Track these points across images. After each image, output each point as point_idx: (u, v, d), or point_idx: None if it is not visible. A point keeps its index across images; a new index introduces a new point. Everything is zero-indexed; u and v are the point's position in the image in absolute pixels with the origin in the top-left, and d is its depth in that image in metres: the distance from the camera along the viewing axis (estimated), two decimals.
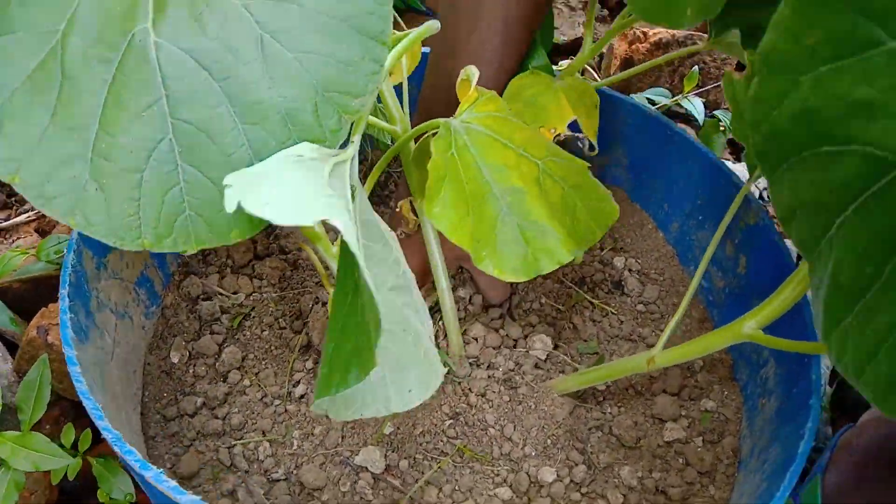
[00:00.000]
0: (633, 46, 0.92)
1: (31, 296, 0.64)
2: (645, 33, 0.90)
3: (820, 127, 0.28)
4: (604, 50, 1.02)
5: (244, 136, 0.34)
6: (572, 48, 1.07)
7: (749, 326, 0.46)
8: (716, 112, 0.92)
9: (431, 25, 0.47)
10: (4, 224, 0.71)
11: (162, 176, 0.33)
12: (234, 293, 0.67)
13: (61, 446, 0.56)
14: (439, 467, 0.55)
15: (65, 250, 0.62)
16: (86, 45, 0.33)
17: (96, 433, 0.52)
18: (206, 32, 0.33)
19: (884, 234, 0.28)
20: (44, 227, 0.73)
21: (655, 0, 0.48)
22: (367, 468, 0.56)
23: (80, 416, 0.63)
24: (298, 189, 0.31)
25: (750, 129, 0.31)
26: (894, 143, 0.26)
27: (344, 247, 0.32)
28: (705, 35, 0.93)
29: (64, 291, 0.45)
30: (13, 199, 0.75)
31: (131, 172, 0.33)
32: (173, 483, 0.38)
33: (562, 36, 1.07)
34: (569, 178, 0.50)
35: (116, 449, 0.39)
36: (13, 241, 0.71)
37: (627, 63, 0.93)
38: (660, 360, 0.51)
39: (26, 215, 0.72)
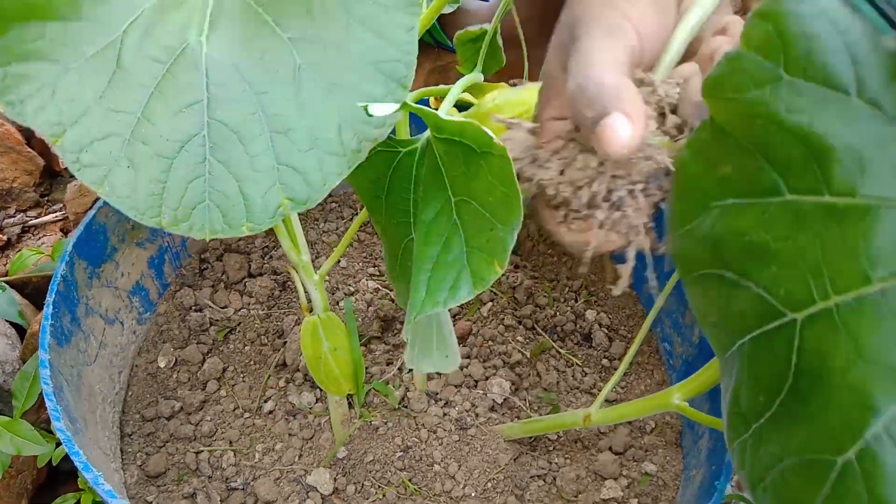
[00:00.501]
0: None
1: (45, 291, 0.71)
2: None
3: (724, 254, 0.29)
4: None
5: (270, 142, 0.38)
6: None
7: (677, 397, 0.48)
8: None
9: (474, 77, 0.51)
10: (35, 221, 0.79)
11: (190, 165, 0.37)
12: (224, 307, 0.72)
13: (49, 432, 0.62)
14: (383, 496, 0.58)
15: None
16: (142, 45, 0.38)
17: None
18: (251, 53, 0.38)
19: (772, 372, 0.28)
20: (68, 227, 0.80)
21: None
22: (316, 488, 0.59)
23: None
24: None
25: (669, 229, 0.31)
26: (781, 293, 0.27)
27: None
28: None
29: (50, 299, 0.50)
30: (46, 198, 0.82)
31: (163, 157, 0.37)
32: (107, 487, 0.42)
33: None
34: None
35: (66, 447, 0.44)
36: (40, 238, 0.78)
37: None
38: (596, 419, 0.53)
39: (54, 215, 0.80)
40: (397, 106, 0.36)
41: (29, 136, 0.81)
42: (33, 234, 0.79)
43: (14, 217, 0.79)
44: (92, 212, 0.57)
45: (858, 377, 0.25)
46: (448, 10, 0.70)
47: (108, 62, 0.37)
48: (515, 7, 0.77)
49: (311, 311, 0.59)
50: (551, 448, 0.62)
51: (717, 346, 0.32)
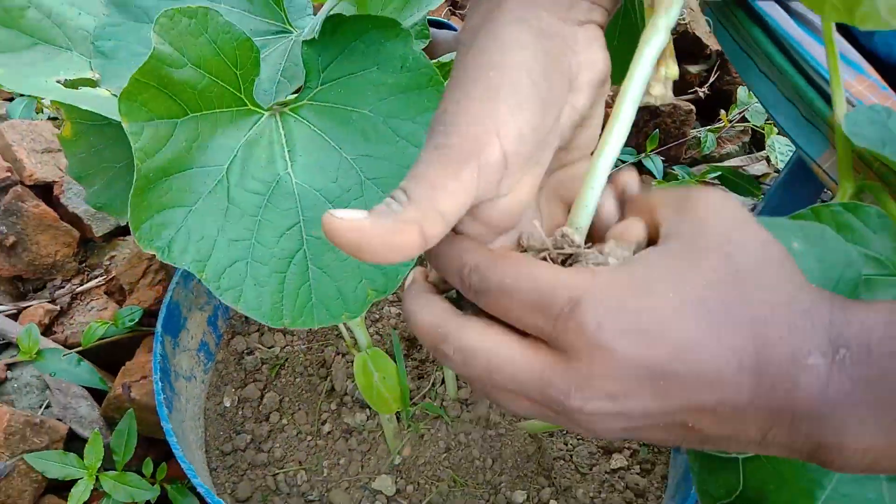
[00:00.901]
0: (605, 110, 1.06)
1: (112, 355, 0.80)
2: (613, 97, 1.04)
3: None
4: None
5: None
6: None
7: None
8: (674, 167, 1.07)
9: None
10: (81, 288, 0.87)
11: (298, 276, 0.47)
12: (271, 347, 0.83)
13: (142, 474, 0.73)
14: (437, 491, 0.72)
15: (135, 318, 0.78)
16: (243, 181, 0.48)
17: (166, 462, 0.69)
18: (327, 176, 0.49)
19: (726, 482, 0.37)
20: (111, 289, 0.88)
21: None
22: (381, 491, 0.72)
23: (151, 449, 0.80)
24: None
25: None
26: None
27: None
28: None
29: (156, 377, 0.61)
30: (84, 264, 0.91)
31: (278, 273, 0.47)
32: None
33: None
34: None
35: (207, 498, 0.55)
36: (88, 303, 0.87)
37: None
38: None
39: (97, 280, 0.88)
40: None
41: (59, 208, 0.89)
42: (81, 300, 0.87)
43: (63, 287, 0.87)
44: (169, 294, 0.67)
45: (786, 496, 0.35)
46: (421, 45, 0.80)
47: (220, 199, 0.48)
48: None
49: (356, 347, 0.71)
50: (566, 433, 0.76)
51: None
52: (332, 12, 0.51)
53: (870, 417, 0.26)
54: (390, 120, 0.50)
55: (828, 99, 0.41)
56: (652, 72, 0.28)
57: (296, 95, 0.52)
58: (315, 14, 0.68)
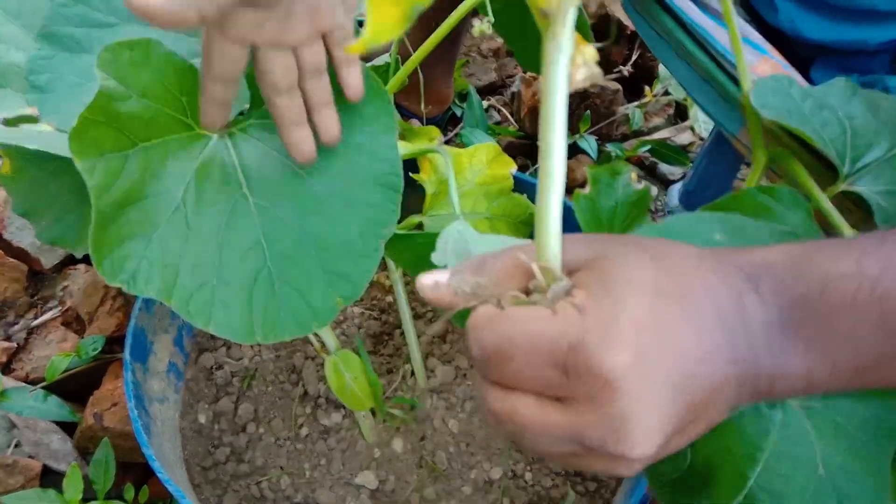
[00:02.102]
0: (536, 96, 1.10)
1: (77, 386, 0.80)
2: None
3: None
4: (515, 90, 1.20)
5: (317, 259, 0.49)
6: (489, 90, 1.25)
7: None
8: (607, 144, 1.12)
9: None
10: (36, 322, 0.86)
11: (264, 294, 0.48)
12: (239, 360, 0.84)
13: (124, 500, 0.74)
14: (418, 479, 0.75)
15: (98, 347, 0.78)
16: (200, 205, 0.48)
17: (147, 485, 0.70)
18: (284, 195, 0.49)
19: (676, 459, 0.40)
20: (68, 319, 0.87)
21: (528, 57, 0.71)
22: (365, 486, 0.75)
23: (128, 473, 0.80)
24: None
25: None
26: None
27: None
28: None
29: (131, 404, 0.61)
30: (36, 297, 0.89)
31: (244, 292, 0.48)
32: None
33: (477, 80, 1.24)
34: None
35: None
36: (46, 337, 0.85)
37: (533, 109, 1.11)
38: None
39: (52, 313, 0.87)
40: None
41: (6, 246, 0.87)
42: (38, 334, 0.86)
43: (17, 324, 0.85)
44: (133, 321, 0.67)
45: (732, 464, 0.38)
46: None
47: (180, 226, 0.48)
48: (410, 36, 0.92)
49: (324, 350, 0.73)
50: None
51: None
52: None
53: (799, 338, 0.29)
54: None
55: (737, 81, 0.45)
56: (569, 67, 0.28)
57: (242, 114, 0.53)
58: None
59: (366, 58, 0.84)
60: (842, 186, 0.43)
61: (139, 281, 0.47)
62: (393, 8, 0.25)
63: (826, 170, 0.44)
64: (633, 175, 0.48)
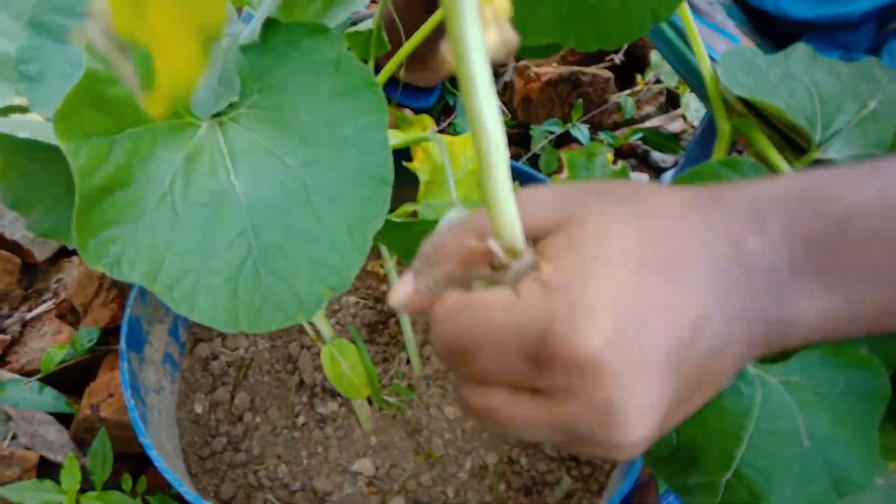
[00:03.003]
0: (529, 85, 1.09)
1: (72, 377, 0.80)
2: (538, 74, 1.08)
3: None
4: (507, 79, 1.20)
5: (304, 250, 0.49)
6: None
7: None
8: (600, 133, 1.12)
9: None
10: (30, 315, 0.86)
11: (250, 281, 0.48)
12: (235, 349, 0.84)
13: (122, 490, 0.74)
14: (415, 465, 0.75)
15: (94, 339, 0.78)
16: (187, 193, 0.48)
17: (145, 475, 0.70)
18: (273, 185, 0.49)
19: (664, 442, 0.41)
20: (62, 311, 0.87)
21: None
22: (362, 472, 0.75)
23: (125, 464, 0.80)
24: None
25: None
26: None
27: None
28: (588, 70, 1.12)
29: (128, 394, 0.61)
30: (30, 290, 0.89)
31: (230, 281, 0.47)
32: None
33: None
34: None
35: (188, 498, 0.57)
36: (40, 329, 0.85)
37: (525, 99, 1.11)
38: None
39: (46, 305, 0.87)
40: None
41: None
42: (33, 327, 0.86)
43: (11, 316, 0.85)
44: (127, 311, 0.67)
45: (717, 443, 0.39)
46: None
47: (167, 212, 0.48)
48: (406, 11, 0.92)
49: (320, 340, 0.73)
50: None
51: None
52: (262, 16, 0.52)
53: (815, 281, 0.26)
54: (329, 124, 0.51)
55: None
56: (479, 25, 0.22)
57: (233, 104, 0.53)
58: (239, 18, 0.68)
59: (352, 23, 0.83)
60: (815, 155, 0.42)
61: (123, 265, 0.46)
62: (187, 49, 0.19)
63: (789, 144, 0.44)
64: (609, 156, 0.48)
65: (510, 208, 0.24)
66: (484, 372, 0.24)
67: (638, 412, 0.23)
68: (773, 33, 0.56)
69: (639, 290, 0.23)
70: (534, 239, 0.25)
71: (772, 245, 0.26)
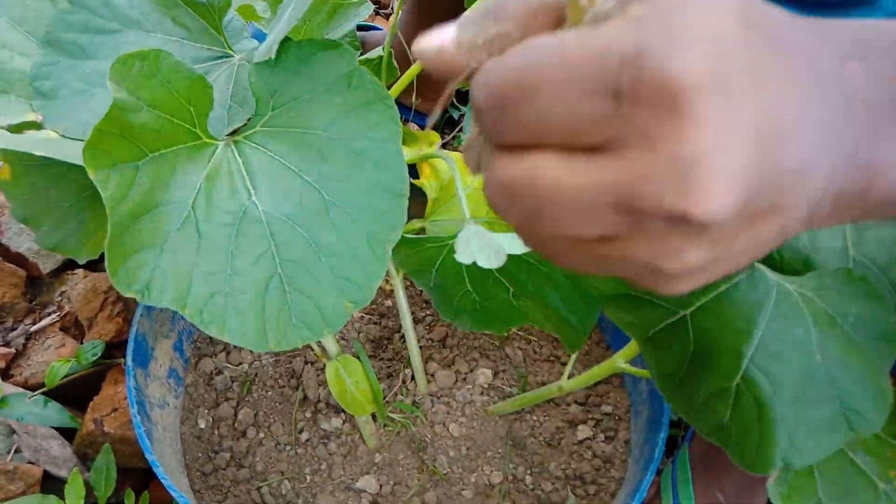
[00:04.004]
0: None
1: (75, 391, 0.80)
2: None
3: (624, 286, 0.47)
4: None
5: (326, 265, 0.49)
6: None
7: (620, 361, 0.67)
8: None
9: None
10: (34, 328, 0.86)
11: (277, 301, 0.48)
12: (238, 364, 0.84)
13: None
14: (419, 483, 0.75)
15: (98, 353, 0.78)
16: (209, 214, 0.48)
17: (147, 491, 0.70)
18: (291, 201, 0.50)
19: (680, 347, 0.45)
20: (66, 324, 0.87)
21: None
22: (366, 490, 0.75)
23: (128, 479, 0.80)
24: None
25: None
26: (673, 301, 0.45)
27: None
28: None
29: (134, 410, 0.61)
30: (34, 303, 0.89)
31: (257, 300, 0.48)
32: None
33: None
34: None
35: None
36: (44, 342, 0.85)
37: None
38: (567, 388, 0.71)
39: (50, 318, 0.87)
40: (501, 262, 0.47)
41: (4, 251, 0.87)
42: (37, 340, 0.86)
43: (15, 329, 0.85)
44: (134, 327, 0.67)
45: (728, 338, 0.43)
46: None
47: (190, 235, 0.49)
48: (403, 30, 0.93)
49: (325, 356, 0.74)
50: (532, 411, 0.81)
51: (633, 335, 0.48)
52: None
53: None
54: (344, 138, 0.52)
55: None
56: None
57: (248, 122, 0.53)
58: (251, 37, 0.69)
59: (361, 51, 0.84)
60: None
61: (153, 290, 0.47)
62: None
63: None
64: None
65: None
66: (540, 120, 0.20)
67: (722, 178, 0.19)
68: None
69: (747, 49, 0.19)
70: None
71: (874, 75, 0.23)
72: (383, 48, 0.74)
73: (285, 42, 0.53)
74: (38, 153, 0.49)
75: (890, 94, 0.23)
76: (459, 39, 0.22)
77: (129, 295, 0.44)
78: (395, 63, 0.77)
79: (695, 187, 0.18)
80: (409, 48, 0.78)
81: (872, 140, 0.23)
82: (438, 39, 0.22)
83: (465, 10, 0.63)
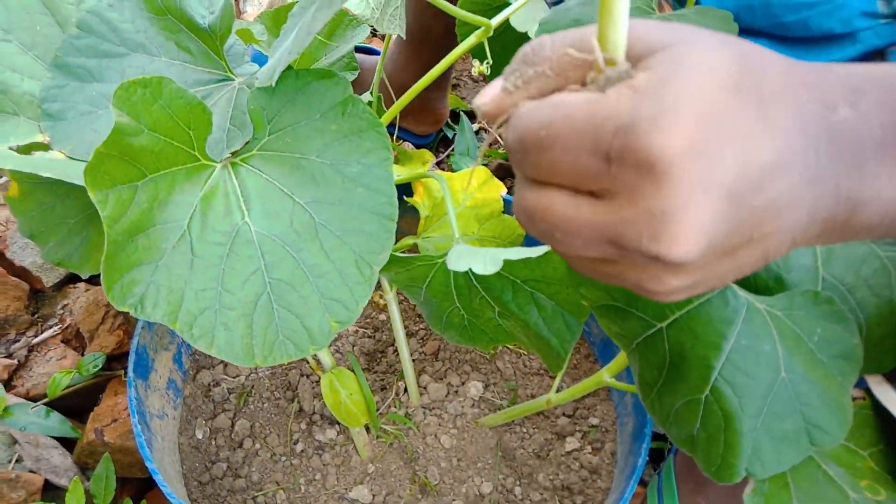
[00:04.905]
0: None
1: (75, 402, 0.82)
2: None
3: (614, 294, 0.49)
4: None
5: (314, 286, 0.51)
6: None
7: (607, 376, 0.69)
8: None
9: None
10: (36, 340, 0.88)
11: (264, 317, 0.51)
12: (236, 377, 0.86)
13: None
14: (411, 494, 0.77)
15: (99, 365, 0.80)
16: (203, 234, 0.51)
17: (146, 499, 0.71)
18: (283, 222, 0.52)
19: (657, 357, 0.47)
20: (67, 337, 0.89)
21: None
22: (359, 500, 0.77)
23: (126, 488, 0.82)
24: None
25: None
26: (650, 313, 0.48)
27: None
28: None
29: (135, 420, 0.63)
30: (36, 315, 0.91)
31: (246, 317, 0.50)
32: None
33: (468, 104, 1.27)
34: None
35: None
36: (46, 354, 0.87)
37: None
38: (555, 401, 0.73)
39: (52, 330, 0.89)
40: (498, 266, 0.49)
41: (8, 265, 0.89)
42: (39, 352, 0.88)
43: (18, 341, 0.87)
44: (135, 339, 0.70)
45: (700, 351, 0.45)
46: (351, 76, 0.85)
47: (185, 253, 0.51)
48: (406, 65, 0.96)
49: (320, 368, 0.76)
50: (522, 423, 0.83)
51: (621, 345, 0.51)
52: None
53: None
54: (337, 164, 0.54)
55: None
56: None
57: (245, 146, 0.56)
58: (251, 60, 0.72)
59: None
60: None
61: (146, 305, 0.49)
62: None
63: None
64: None
65: (621, 18, 0.24)
66: (552, 166, 0.25)
67: (688, 229, 0.23)
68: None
69: (726, 112, 0.23)
70: (634, 60, 0.25)
71: (863, 119, 0.26)
72: (371, 92, 0.77)
73: (284, 69, 0.56)
74: (45, 174, 0.52)
75: (878, 135, 0.26)
76: (505, 85, 0.27)
77: (123, 309, 0.46)
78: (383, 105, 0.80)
79: (666, 235, 0.23)
80: (398, 81, 0.83)
81: (856, 177, 0.26)
82: (490, 92, 0.27)
83: (451, 45, 0.67)
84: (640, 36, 0.25)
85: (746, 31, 0.56)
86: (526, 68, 0.26)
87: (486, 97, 0.27)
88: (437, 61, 0.61)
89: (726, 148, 0.23)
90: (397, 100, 0.64)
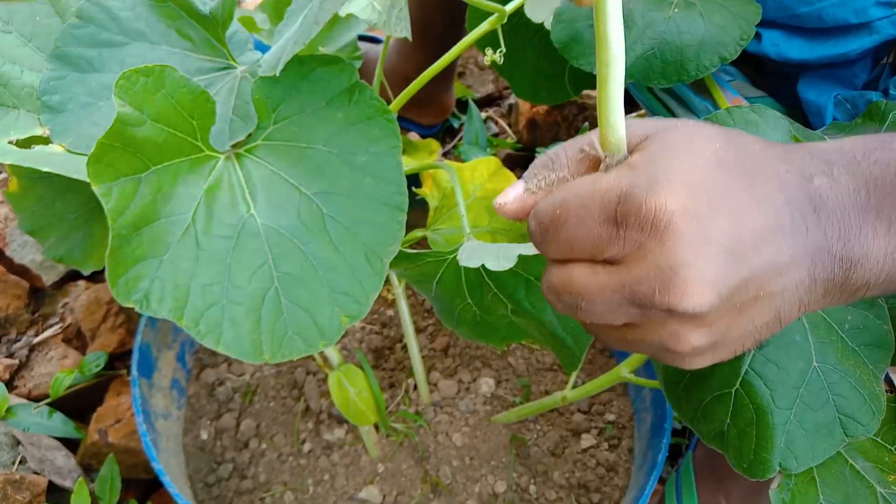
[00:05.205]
0: (534, 108, 1.11)
1: (78, 402, 0.80)
2: None
3: None
4: (513, 101, 1.21)
5: (323, 279, 0.50)
6: (486, 101, 1.26)
7: (625, 371, 0.67)
8: None
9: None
10: (37, 339, 0.86)
11: (273, 311, 0.49)
12: (240, 375, 0.84)
13: None
14: (422, 493, 0.75)
15: (101, 364, 0.78)
16: (209, 227, 0.49)
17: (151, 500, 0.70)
18: (289, 214, 0.50)
19: None
20: (68, 336, 0.87)
21: (525, 88, 0.79)
22: (369, 500, 0.75)
23: (130, 489, 0.80)
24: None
25: None
26: None
27: None
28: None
29: (139, 419, 0.61)
30: (37, 314, 0.89)
31: (254, 312, 0.48)
32: None
33: (475, 92, 1.25)
34: None
35: None
36: (47, 353, 0.85)
37: (531, 121, 1.12)
38: (570, 397, 0.72)
39: (52, 329, 0.87)
40: (512, 262, 0.47)
41: (7, 263, 0.87)
42: (40, 351, 0.86)
43: (19, 341, 0.86)
44: (139, 337, 0.68)
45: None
46: (355, 65, 0.83)
47: (190, 247, 0.49)
48: (411, 55, 0.94)
49: (327, 365, 0.74)
50: (536, 420, 0.81)
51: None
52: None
53: (879, 220, 0.28)
54: (344, 153, 0.52)
55: None
56: None
57: (250, 136, 0.54)
58: (254, 48, 0.70)
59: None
60: None
61: (152, 301, 0.47)
62: None
63: None
64: None
65: (618, 114, 0.28)
66: (569, 241, 0.28)
67: (695, 280, 0.26)
68: (775, 72, 0.58)
69: (713, 183, 0.26)
70: (631, 149, 0.29)
71: (838, 186, 0.28)
72: (375, 77, 0.75)
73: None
74: (45, 169, 0.50)
75: (853, 198, 0.29)
76: (528, 187, 0.31)
77: (127, 305, 0.45)
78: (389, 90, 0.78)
79: (676, 287, 0.26)
80: (401, 72, 0.81)
81: (844, 238, 0.29)
82: (513, 192, 0.31)
83: (454, 37, 0.65)
84: (634, 131, 0.29)
85: (760, 23, 0.54)
86: (548, 173, 0.31)
87: (509, 197, 0.31)
88: (441, 53, 0.59)
89: (718, 214, 0.26)
90: (400, 92, 0.62)
